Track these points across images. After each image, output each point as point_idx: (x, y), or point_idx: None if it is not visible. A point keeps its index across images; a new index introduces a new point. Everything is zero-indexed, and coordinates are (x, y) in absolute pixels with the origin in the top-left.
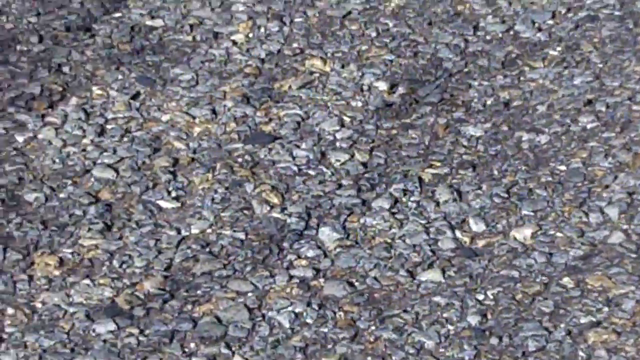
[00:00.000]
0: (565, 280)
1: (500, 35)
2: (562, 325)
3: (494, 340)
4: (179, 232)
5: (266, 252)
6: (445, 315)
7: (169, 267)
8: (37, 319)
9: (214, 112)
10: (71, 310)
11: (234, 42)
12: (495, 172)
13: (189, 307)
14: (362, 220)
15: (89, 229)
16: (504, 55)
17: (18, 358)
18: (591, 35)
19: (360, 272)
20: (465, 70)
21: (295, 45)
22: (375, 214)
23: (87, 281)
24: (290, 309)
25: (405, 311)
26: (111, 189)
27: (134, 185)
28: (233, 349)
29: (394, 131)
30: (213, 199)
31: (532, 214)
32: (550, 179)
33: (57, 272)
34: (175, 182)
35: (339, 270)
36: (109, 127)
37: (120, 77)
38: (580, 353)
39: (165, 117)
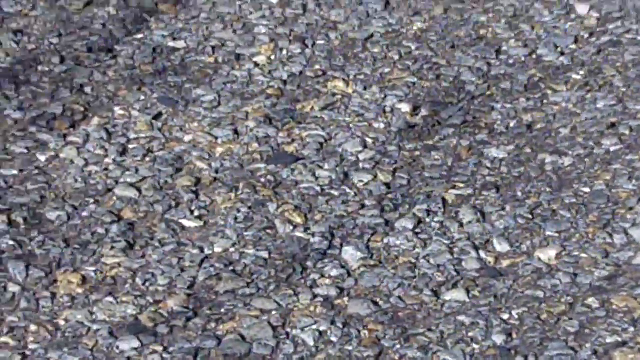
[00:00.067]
0: (591, 300)
1: (523, 59)
2: (588, 345)
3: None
4: (202, 250)
5: (289, 271)
6: (470, 334)
7: (192, 285)
8: (61, 336)
9: (236, 132)
10: (95, 327)
11: (256, 64)
12: (519, 194)
13: (213, 325)
14: (385, 240)
15: (112, 247)
16: (527, 79)
17: None
18: (614, 60)
19: (384, 291)
20: (488, 93)
21: (317, 67)
22: (399, 234)
23: (110, 299)
24: (314, 327)
25: (430, 330)
26: (134, 208)
27: (157, 205)
28: None
29: (417, 153)
30: (236, 218)
31: (556, 235)
32: (574, 200)
33: (80, 290)
34: (198, 201)
35: (363, 289)
36: (131, 146)
37: (142, 97)
38: None
39: (187, 138)
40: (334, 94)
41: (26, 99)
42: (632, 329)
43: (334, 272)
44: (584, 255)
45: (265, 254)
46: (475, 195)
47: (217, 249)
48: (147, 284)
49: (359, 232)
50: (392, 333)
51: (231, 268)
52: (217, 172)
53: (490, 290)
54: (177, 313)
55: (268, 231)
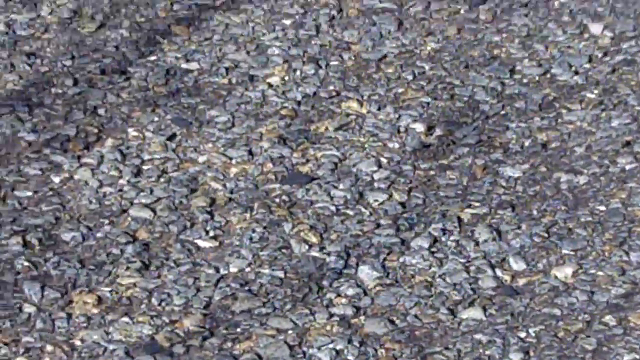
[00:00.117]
0: (608, 318)
1: (537, 78)
2: None
3: None
4: (217, 270)
5: (305, 290)
6: (487, 352)
7: (208, 305)
8: (77, 357)
9: (250, 153)
10: (111, 347)
11: (270, 85)
12: (535, 212)
13: (229, 344)
14: (401, 259)
15: (127, 268)
16: (541, 98)
17: None
18: (628, 79)
19: (400, 310)
20: (503, 112)
21: (331, 87)
22: (415, 253)
23: (126, 319)
24: (331, 346)
25: (446, 348)
26: (148, 229)
27: (172, 225)
28: None
29: (432, 172)
30: (251, 238)
31: (572, 253)
32: (589, 218)
33: (95, 310)
34: (213, 221)
35: (380, 308)
36: (145, 167)
37: (156, 119)
38: None
39: (201, 158)
40: (348, 114)
41: (40, 121)
42: None
43: (350, 291)
44: (600, 273)
45: (281, 274)
46: (491, 214)
47: (233, 269)
48: (163, 303)
49: (375, 251)
50: (409, 352)
51: (247, 287)
52: (231, 192)
53: (507, 308)
54: (193, 333)
55: (283, 251)
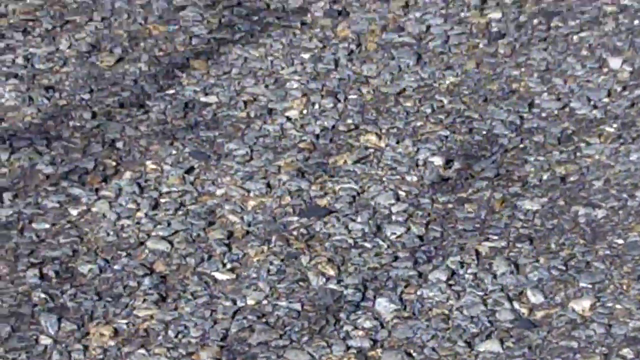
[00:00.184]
0: (625, 351)
1: (555, 112)
2: None
3: None
4: (234, 303)
5: (322, 323)
6: None
7: (225, 338)
8: None
9: (268, 186)
10: None
11: (288, 118)
12: (553, 246)
13: None
14: (419, 292)
15: (144, 300)
16: (560, 132)
17: None
18: None
19: (417, 343)
20: (521, 146)
21: (349, 121)
22: (432, 286)
23: (142, 351)
24: None
25: None
26: (166, 261)
27: (189, 257)
28: None
29: (450, 205)
30: (269, 271)
31: (590, 286)
32: (608, 252)
33: (112, 342)
34: (231, 254)
35: (397, 341)
36: (163, 200)
37: (174, 152)
38: None
39: (219, 191)
40: (366, 148)
41: (58, 154)
42: None
43: (367, 324)
44: (618, 306)
45: (298, 306)
46: (509, 248)
47: (250, 301)
48: (180, 336)
49: (392, 284)
50: None
51: (264, 320)
52: (249, 225)
53: (524, 341)
54: None
55: (301, 283)
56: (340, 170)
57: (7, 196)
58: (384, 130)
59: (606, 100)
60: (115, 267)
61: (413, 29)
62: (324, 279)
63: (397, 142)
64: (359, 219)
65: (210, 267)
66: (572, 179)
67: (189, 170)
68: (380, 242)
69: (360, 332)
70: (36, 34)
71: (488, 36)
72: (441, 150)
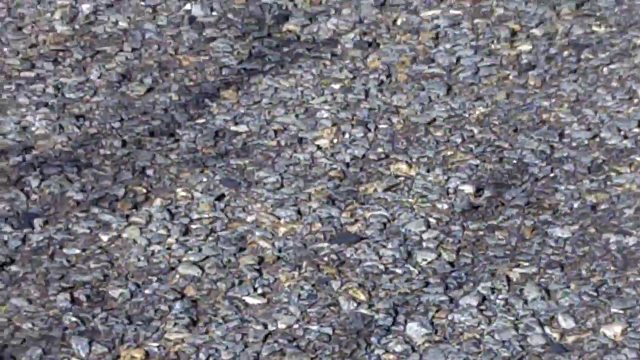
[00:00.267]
0: None
1: (586, 142)
2: None
3: None
4: (265, 326)
5: (354, 347)
6: None
7: None
8: None
9: (299, 213)
10: None
11: (319, 147)
12: (584, 272)
13: None
14: (450, 317)
15: (175, 324)
16: (590, 161)
17: None
18: None
19: None
20: (552, 175)
21: (380, 150)
22: (463, 311)
23: None
24: None
25: None
26: (197, 286)
27: (220, 282)
28: None
29: (481, 232)
30: (299, 296)
31: (621, 312)
32: (639, 279)
33: None
34: (261, 279)
35: None
36: (193, 226)
37: (204, 179)
38: None
39: (250, 218)
40: (396, 176)
41: (88, 181)
42: None
43: (398, 348)
44: None
45: (329, 330)
46: (540, 274)
47: (281, 325)
48: (211, 359)
49: (423, 309)
50: None
51: (295, 344)
52: (280, 251)
53: None
54: None
55: (332, 308)
56: (370, 197)
57: (37, 222)
58: (414, 159)
59: (636, 130)
60: (146, 291)
61: (443, 61)
62: (355, 304)
63: (428, 171)
64: (389, 246)
65: (241, 291)
66: (602, 207)
67: (220, 198)
68: (411, 268)
69: (392, 356)
70: (66, 64)
71: (518, 68)
72: (471, 178)
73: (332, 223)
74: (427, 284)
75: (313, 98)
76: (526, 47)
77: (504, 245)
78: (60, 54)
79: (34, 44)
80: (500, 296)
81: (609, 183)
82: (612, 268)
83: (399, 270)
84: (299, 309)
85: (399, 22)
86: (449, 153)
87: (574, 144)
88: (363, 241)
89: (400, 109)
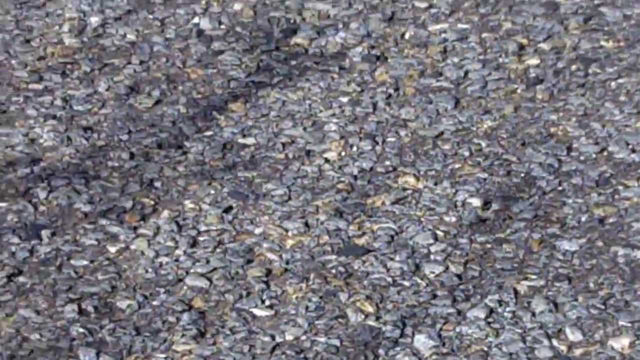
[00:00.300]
0: None
1: (593, 156)
2: None
3: None
4: (273, 338)
5: (361, 358)
6: None
7: None
8: None
9: (306, 225)
10: None
11: (327, 160)
12: (592, 285)
13: None
14: (457, 329)
15: (183, 335)
16: (598, 175)
17: None
18: None
19: None
20: (559, 188)
21: (387, 163)
22: (471, 323)
23: None
24: None
25: None
26: (204, 297)
27: (228, 294)
28: None
29: (489, 245)
30: (307, 308)
31: (629, 324)
32: None
33: None
34: (269, 291)
35: None
36: (201, 238)
37: (212, 191)
38: None
39: (258, 230)
40: (404, 189)
41: (96, 193)
42: None
43: None
44: None
45: (337, 342)
46: (548, 287)
47: (289, 337)
48: None
49: (431, 321)
50: None
51: (303, 355)
52: (287, 263)
53: None
54: None
55: (339, 320)
56: (378, 210)
57: (45, 233)
58: (422, 172)
59: None
60: (154, 302)
61: (451, 74)
62: (363, 316)
63: (435, 184)
64: (397, 258)
65: (248, 303)
66: (610, 220)
67: (227, 210)
68: (419, 281)
69: None
70: (74, 76)
71: (526, 82)
72: (479, 191)
73: (340, 235)
74: (434, 296)
75: (321, 111)
76: (534, 61)
77: (511, 258)
78: (69, 66)
79: (42, 56)
80: (507, 309)
81: (616, 197)
82: (620, 281)
83: (406, 283)
84: (306, 320)
85: (407, 36)
86: (456, 166)
87: (581, 158)
88: (371, 254)
89: (408, 122)
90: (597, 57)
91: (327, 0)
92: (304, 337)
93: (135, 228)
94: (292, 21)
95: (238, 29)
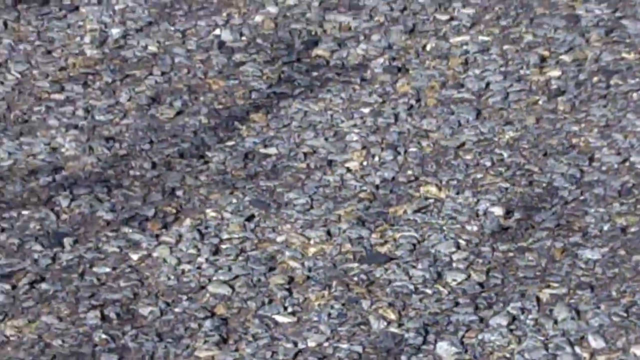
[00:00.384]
0: None
1: (615, 166)
2: None
3: None
4: (295, 344)
5: None
6: None
7: None
8: None
9: (328, 233)
10: None
11: (348, 169)
12: (614, 293)
13: None
14: (480, 336)
15: (205, 341)
16: (620, 185)
17: None
18: None
19: None
20: (581, 198)
21: (409, 172)
22: (493, 330)
23: None
24: None
25: None
26: (227, 305)
27: (250, 301)
28: None
29: (511, 254)
30: (329, 314)
31: None
32: None
33: None
34: (291, 298)
35: None
36: (223, 246)
37: (234, 200)
38: None
39: (280, 238)
40: (426, 198)
41: (118, 202)
42: None
43: None
44: None
45: (359, 348)
46: (570, 295)
47: (311, 343)
48: None
49: (453, 328)
50: None
51: None
52: (310, 270)
53: None
54: None
55: (362, 327)
56: (400, 219)
57: (67, 241)
58: (444, 182)
59: None
60: (176, 309)
61: (472, 86)
62: (385, 323)
63: (457, 193)
64: (419, 266)
65: (271, 310)
66: (632, 230)
67: (249, 218)
68: (441, 288)
69: None
70: (96, 86)
71: (548, 93)
72: (501, 201)
73: (362, 244)
74: (457, 304)
75: (342, 121)
76: (555, 72)
77: (534, 267)
78: (90, 77)
79: (64, 67)
80: (530, 316)
81: (638, 206)
82: None
83: (428, 291)
84: (329, 327)
85: (428, 48)
86: (478, 176)
87: (603, 168)
88: (393, 262)
89: (430, 133)
90: (618, 68)
91: (348, 13)
92: (326, 344)
93: (157, 236)
94: (313, 33)
95: (259, 40)
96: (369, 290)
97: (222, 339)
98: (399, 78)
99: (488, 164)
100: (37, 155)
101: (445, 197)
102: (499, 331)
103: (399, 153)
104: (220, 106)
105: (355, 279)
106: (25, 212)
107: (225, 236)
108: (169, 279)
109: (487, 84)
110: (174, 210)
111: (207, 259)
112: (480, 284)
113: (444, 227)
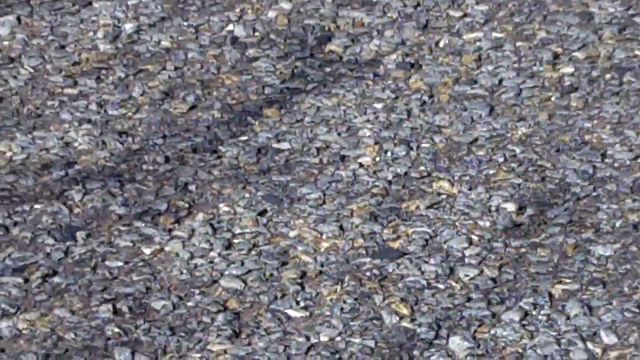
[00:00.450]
0: None
1: (628, 162)
2: None
3: None
4: (307, 339)
5: (396, 359)
6: None
7: None
8: None
9: (341, 228)
10: None
11: (361, 165)
12: (626, 289)
13: None
14: (492, 331)
15: (218, 335)
16: (632, 181)
17: None
18: None
19: None
20: (594, 194)
21: (422, 168)
22: (506, 326)
23: None
24: None
25: None
26: (239, 299)
27: (262, 295)
28: None
29: (523, 249)
30: (342, 309)
31: None
32: None
33: None
34: (304, 292)
35: None
36: (236, 241)
37: (247, 195)
38: None
39: (292, 233)
40: (439, 194)
41: (131, 196)
42: None
43: None
44: None
45: (371, 343)
46: (582, 290)
47: (323, 338)
48: None
49: (466, 323)
50: None
51: (338, 356)
52: (322, 265)
53: None
54: None
55: (374, 321)
56: (412, 214)
57: (80, 235)
58: (456, 178)
59: None
60: (189, 303)
61: (485, 82)
62: (398, 318)
63: (470, 189)
64: (432, 261)
65: (283, 304)
66: None
67: (262, 213)
68: (453, 284)
69: None
70: (109, 81)
71: (560, 90)
72: (514, 197)
73: (375, 239)
74: (469, 299)
75: (355, 117)
76: (568, 69)
77: (546, 263)
78: (103, 71)
79: (77, 61)
80: (542, 312)
81: None
82: None
83: (441, 286)
84: (341, 322)
85: (441, 44)
86: (491, 172)
87: (616, 165)
88: (405, 257)
89: (443, 129)
90: (631, 66)
91: (362, 9)
92: (338, 338)
93: (170, 230)
94: (326, 29)
95: (272, 36)
96: (382, 285)
97: (234, 333)
98: (412, 74)
99: (501, 159)
100: (50, 149)
101: (457, 193)
102: (512, 326)
103: (412, 149)
104: (234, 101)
105: (368, 274)
106: (38, 206)
107: (237, 231)
108: (181, 273)
109: (500, 80)
110: (187, 205)
111: (219, 254)
112: (493, 280)
113: (457, 223)
